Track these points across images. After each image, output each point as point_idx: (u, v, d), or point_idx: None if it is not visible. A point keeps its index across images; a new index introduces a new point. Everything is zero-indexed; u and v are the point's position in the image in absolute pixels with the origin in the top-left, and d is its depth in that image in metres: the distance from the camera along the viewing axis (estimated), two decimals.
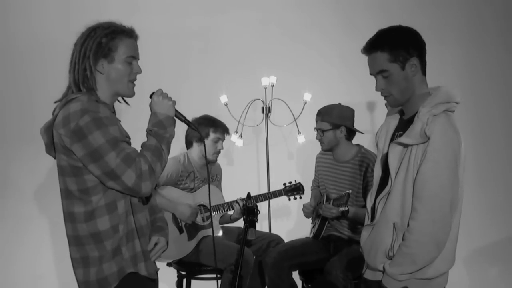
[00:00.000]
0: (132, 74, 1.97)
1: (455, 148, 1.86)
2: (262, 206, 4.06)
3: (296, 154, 4.59)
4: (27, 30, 4.37)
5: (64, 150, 1.85)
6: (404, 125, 1.99)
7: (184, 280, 3.46)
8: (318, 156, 3.48)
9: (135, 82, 2.00)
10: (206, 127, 3.41)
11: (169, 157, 2.02)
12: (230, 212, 3.53)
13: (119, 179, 1.82)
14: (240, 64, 4.46)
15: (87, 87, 1.92)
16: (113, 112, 2.01)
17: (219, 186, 3.65)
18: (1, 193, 4.38)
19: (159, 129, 1.93)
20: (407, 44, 1.93)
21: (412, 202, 1.88)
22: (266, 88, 4.14)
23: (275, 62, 4.44)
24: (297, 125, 4.19)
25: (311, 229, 3.40)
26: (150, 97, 1.99)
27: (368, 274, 2.06)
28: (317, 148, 3.43)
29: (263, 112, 4.20)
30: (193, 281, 3.47)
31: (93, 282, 1.89)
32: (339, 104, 3.29)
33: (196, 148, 3.48)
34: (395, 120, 2.09)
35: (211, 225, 3.38)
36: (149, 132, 1.94)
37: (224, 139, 3.50)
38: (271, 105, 4.18)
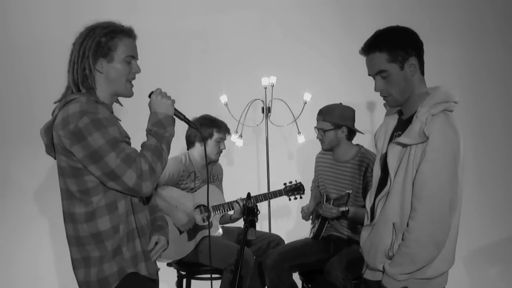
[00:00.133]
0: (131, 74, 1.97)
1: (454, 147, 1.86)
2: (262, 206, 4.06)
3: (296, 154, 4.59)
4: (27, 30, 4.37)
5: (64, 151, 1.85)
6: (403, 125, 1.99)
7: (184, 280, 3.46)
8: (318, 156, 3.48)
9: (134, 82, 2.00)
10: (210, 128, 3.42)
11: (169, 157, 2.01)
12: (231, 212, 3.52)
13: (120, 180, 1.82)
14: (240, 64, 4.46)
15: (87, 87, 1.92)
16: (112, 112, 2.01)
17: (220, 186, 3.65)
18: (1, 193, 4.38)
19: (159, 129, 1.92)
20: (405, 44, 1.93)
21: (411, 202, 1.88)
22: (266, 88, 4.14)
23: (275, 62, 4.44)
24: (297, 125, 4.19)
25: (311, 229, 3.40)
26: (149, 96, 1.99)
27: (368, 274, 2.06)
28: (317, 148, 3.43)
29: (263, 112, 4.20)
30: (193, 281, 3.47)
31: (94, 282, 1.89)
32: (340, 104, 3.29)
33: (198, 147, 3.48)
34: (394, 120, 2.09)
35: (210, 225, 3.38)
36: (148, 131, 1.94)
37: (226, 139, 3.51)
38: (271, 105, 4.18)
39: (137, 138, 2.00)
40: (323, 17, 4.54)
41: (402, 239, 1.90)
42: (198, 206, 3.42)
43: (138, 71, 1.99)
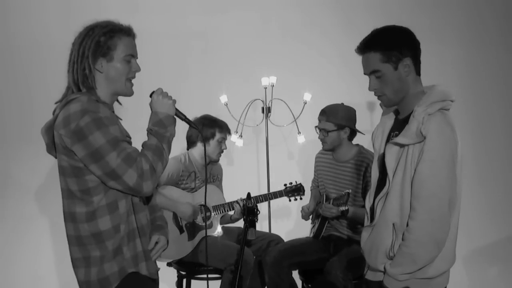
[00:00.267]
0: (131, 73, 1.97)
1: (452, 146, 1.86)
2: (262, 206, 4.06)
3: (296, 154, 4.59)
4: (27, 30, 4.37)
5: (65, 151, 1.85)
6: (399, 124, 1.99)
7: (184, 280, 3.46)
8: (317, 156, 3.47)
9: (134, 82, 2.00)
10: (212, 128, 3.43)
11: (170, 157, 2.02)
12: (231, 213, 3.53)
13: (120, 179, 1.82)
14: (240, 64, 4.46)
15: (87, 87, 1.92)
16: (113, 111, 2.01)
17: (219, 186, 3.65)
18: (1, 193, 4.38)
19: (160, 128, 1.92)
20: (400, 44, 1.93)
21: (410, 202, 1.88)
22: (266, 88, 4.14)
23: (275, 62, 4.44)
24: (297, 125, 4.19)
25: (311, 229, 3.41)
26: (150, 96, 1.99)
27: (369, 275, 2.06)
28: (317, 148, 3.43)
29: (263, 112, 4.19)
30: (193, 281, 3.47)
31: (94, 282, 1.89)
32: (342, 104, 3.29)
33: (199, 147, 3.48)
34: (390, 120, 2.09)
35: (210, 225, 3.38)
36: (149, 131, 1.94)
37: (227, 138, 3.52)
38: (271, 105, 4.18)
39: (137, 138, 2.00)
40: (323, 17, 4.54)
41: (403, 239, 1.90)
42: (199, 206, 3.42)
43: (138, 70, 1.99)
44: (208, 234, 3.38)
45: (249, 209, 2.39)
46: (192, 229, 3.37)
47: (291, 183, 3.59)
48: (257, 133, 4.51)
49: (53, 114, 1.94)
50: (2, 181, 4.39)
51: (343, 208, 3.06)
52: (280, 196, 3.56)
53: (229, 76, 4.43)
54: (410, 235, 1.87)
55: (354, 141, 3.33)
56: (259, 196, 3.50)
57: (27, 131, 4.14)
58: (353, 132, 3.28)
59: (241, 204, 3.41)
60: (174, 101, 1.99)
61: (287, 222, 4.49)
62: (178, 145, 3.53)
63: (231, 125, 3.64)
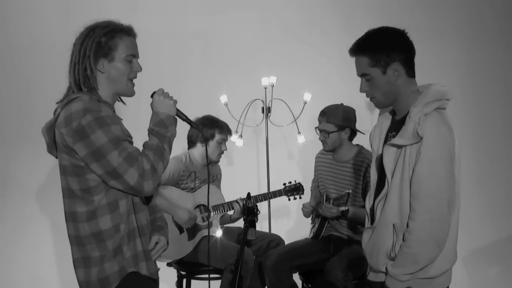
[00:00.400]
0: (133, 73, 1.97)
1: (449, 145, 1.86)
2: (262, 206, 4.06)
3: (296, 154, 4.59)
4: (27, 31, 4.36)
5: (66, 150, 1.85)
6: (397, 125, 1.99)
7: (184, 280, 3.46)
8: (317, 156, 3.47)
9: (135, 82, 2.00)
10: (212, 128, 3.42)
11: (170, 156, 2.02)
12: (230, 212, 3.52)
13: (121, 178, 1.82)
14: (240, 64, 4.45)
15: (88, 87, 1.92)
16: (114, 111, 2.01)
17: (218, 186, 3.65)
18: (1, 192, 4.38)
19: (161, 129, 1.92)
20: (388, 49, 1.92)
21: (410, 202, 1.88)
22: (266, 88, 4.14)
23: (275, 62, 4.44)
24: (297, 125, 4.19)
25: (311, 229, 3.40)
26: (152, 96, 1.99)
27: (372, 276, 2.07)
28: (317, 148, 3.42)
29: (263, 112, 4.19)
30: (193, 281, 3.47)
31: (94, 282, 1.88)
32: (342, 104, 3.29)
33: (199, 148, 3.48)
34: (387, 121, 2.09)
35: (209, 225, 3.38)
36: (150, 131, 1.94)
37: (227, 140, 3.51)
38: (271, 105, 4.18)
39: (137, 138, 2.00)
40: (323, 17, 4.54)
41: (403, 240, 1.90)
42: (198, 206, 3.42)
43: (140, 69, 1.99)
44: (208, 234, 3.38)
45: (249, 209, 2.39)
46: (192, 229, 3.37)
47: (290, 182, 3.59)
48: (257, 133, 4.51)
49: (54, 113, 1.94)
50: (2, 180, 4.39)
51: (343, 208, 3.06)
52: (279, 195, 3.56)
53: (229, 76, 4.43)
54: (410, 235, 1.87)
55: (354, 141, 3.33)
56: (259, 195, 3.50)
57: (27, 131, 4.15)
58: (353, 132, 3.28)
59: (241, 203, 3.41)
60: (175, 102, 1.99)
61: (287, 222, 4.49)
62: (179, 145, 3.53)
63: (231, 125, 3.64)
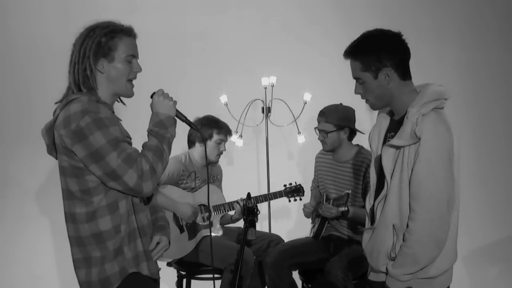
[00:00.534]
0: (132, 73, 1.97)
1: (447, 145, 1.86)
2: (262, 206, 4.05)
3: (296, 154, 4.58)
4: (25, 30, 4.36)
5: (65, 151, 1.85)
6: (395, 125, 1.99)
7: (184, 280, 3.45)
8: (317, 156, 3.47)
9: (134, 82, 2.00)
10: (210, 128, 3.41)
11: (170, 157, 2.01)
12: (231, 213, 3.52)
13: (121, 180, 1.82)
14: (240, 64, 4.45)
15: (88, 87, 1.91)
16: (113, 112, 2.00)
17: (219, 186, 3.65)
18: (0, 192, 4.37)
19: (160, 129, 1.92)
20: (379, 54, 1.92)
21: (409, 203, 1.88)
22: (266, 88, 4.14)
23: (275, 61, 4.43)
24: (297, 125, 4.19)
25: (311, 229, 3.40)
26: (151, 97, 1.99)
27: (372, 276, 2.07)
28: (317, 148, 3.42)
29: (263, 112, 4.19)
30: (193, 281, 3.46)
31: (95, 282, 1.88)
32: (341, 104, 3.28)
33: (198, 148, 3.48)
34: (386, 121, 2.09)
35: (209, 225, 3.38)
36: (150, 132, 1.94)
37: (227, 140, 3.50)
38: (271, 105, 4.18)
39: (136, 139, 2.00)
40: (323, 16, 4.53)
41: (403, 240, 1.90)
42: (199, 206, 3.42)
43: (139, 70, 1.99)
44: (208, 234, 3.38)
45: (249, 209, 2.38)
46: (192, 228, 3.37)
47: (290, 183, 3.58)
48: (257, 133, 4.50)
49: (54, 114, 1.93)
50: (1, 180, 4.38)
51: (342, 208, 3.05)
52: (280, 197, 3.55)
53: (229, 76, 4.42)
54: (410, 236, 1.87)
55: (354, 141, 3.33)
56: (259, 196, 3.49)
57: (26, 131, 4.15)
58: (353, 132, 3.27)
59: (241, 204, 3.40)
60: (175, 102, 1.99)
61: (287, 222, 4.48)
62: (179, 145, 3.53)
63: (231, 125, 3.63)
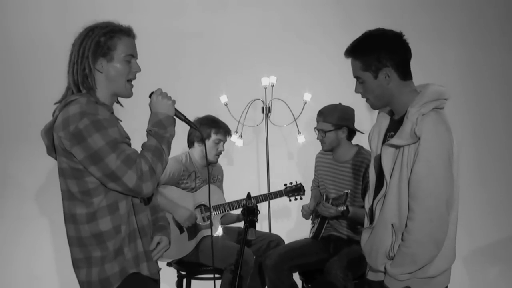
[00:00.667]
0: (131, 73, 1.97)
1: (447, 145, 1.86)
2: (262, 206, 4.05)
3: (296, 154, 4.58)
4: (23, 31, 4.36)
5: (65, 153, 1.85)
6: (395, 125, 2.00)
7: (184, 280, 3.45)
8: (317, 156, 3.47)
9: (134, 82, 1.99)
10: (208, 128, 3.41)
11: (170, 156, 2.01)
12: (236, 212, 3.52)
13: (120, 181, 1.81)
14: (240, 64, 4.45)
15: (87, 87, 1.91)
16: (113, 112, 2.00)
17: (220, 186, 3.65)
18: (0, 192, 4.37)
19: (159, 129, 1.92)
20: (379, 54, 1.92)
21: (408, 202, 1.88)
22: (266, 88, 4.13)
23: (275, 61, 4.43)
24: (297, 125, 4.18)
25: (311, 229, 3.40)
26: (150, 96, 1.98)
27: (371, 275, 2.07)
28: (317, 148, 3.42)
29: (263, 112, 4.19)
30: (193, 281, 3.46)
31: (95, 282, 1.88)
32: (340, 104, 3.28)
33: (197, 148, 3.48)
34: (386, 120, 2.09)
35: (210, 225, 3.37)
36: (149, 132, 1.93)
37: (225, 140, 3.49)
38: (271, 105, 4.17)
39: (134, 139, 2.00)
40: (324, 16, 4.53)
41: (402, 240, 1.90)
42: (199, 206, 3.42)
43: (138, 70, 1.98)
44: (208, 234, 3.37)
45: (249, 209, 2.38)
46: (192, 228, 3.36)
47: (291, 183, 3.58)
48: (257, 133, 4.50)
49: (53, 115, 1.93)
50: (1, 180, 4.38)
51: (341, 208, 3.05)
52: (280, 196, 3.55)
53: (229, 76, 4.42)
54: (409, 235, 1.87)
55: (354, 141, 3.32)
56: (259, 196, 3.49)
57: (25, 131, 4.14)
58: (352, 132, 3.27)
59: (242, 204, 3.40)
60: (174, 102, 1.98)
61: (287, 222, 4.48)
62: (179, 145, 3.52)
63: (231, 125, 3.63)
